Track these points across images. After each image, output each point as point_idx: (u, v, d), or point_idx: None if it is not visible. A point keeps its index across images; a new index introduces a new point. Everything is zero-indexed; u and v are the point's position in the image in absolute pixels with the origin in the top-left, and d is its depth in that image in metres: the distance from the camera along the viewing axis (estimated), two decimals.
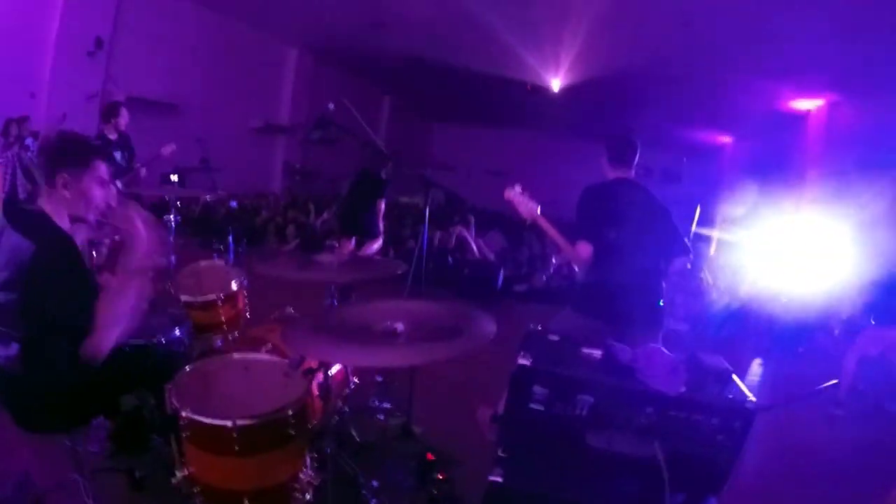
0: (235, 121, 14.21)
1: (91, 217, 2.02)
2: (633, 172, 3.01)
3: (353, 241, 6.04)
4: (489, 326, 1.88)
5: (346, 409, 2.81)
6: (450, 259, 7.82)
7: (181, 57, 12.25)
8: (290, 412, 1.92)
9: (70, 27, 9.56)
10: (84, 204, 1.96)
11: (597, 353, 1.98)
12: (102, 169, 2.00)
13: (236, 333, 3.01)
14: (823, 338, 6.74)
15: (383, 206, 6.19)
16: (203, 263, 3.40)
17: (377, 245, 6.14)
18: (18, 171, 7.25)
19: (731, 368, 1.90)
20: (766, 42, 9.07)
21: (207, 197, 4.77)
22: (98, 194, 1.98)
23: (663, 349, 1.92)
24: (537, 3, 9.59)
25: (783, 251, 6.76)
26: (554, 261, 8.64)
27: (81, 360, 1.81)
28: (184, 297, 2.98)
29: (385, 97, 21.45)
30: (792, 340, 6.73)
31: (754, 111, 13.59)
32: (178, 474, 1.89)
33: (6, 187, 7.04)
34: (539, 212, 2.92)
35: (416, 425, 3.18)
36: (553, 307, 7.28)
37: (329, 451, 2.20)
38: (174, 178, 3.48)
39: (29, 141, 8.06)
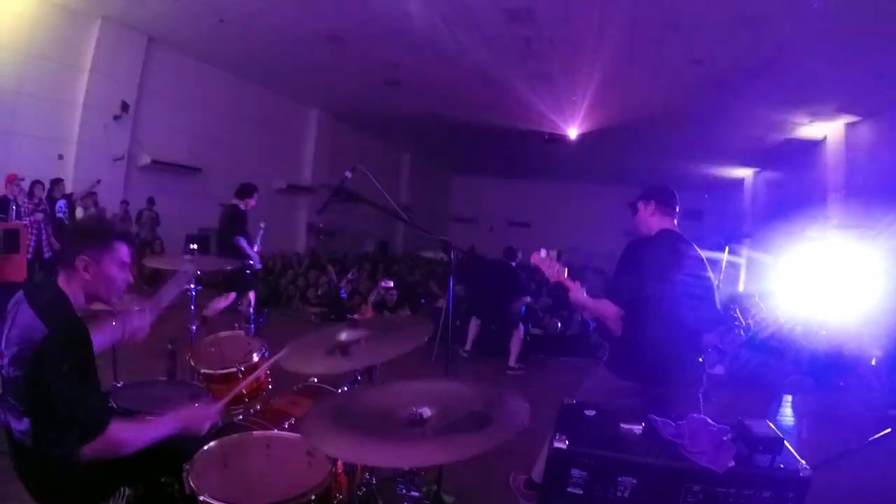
0: (259, 182, 14.42)
1: (114, 299, 1.98)
2: (676, 221, 2.93)
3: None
4: (521, 409, 1.72)
5: (373, 479, 2.70)
6: None
7: (204, 120, 12.68)
8: (313, 497, 1.81)
9: (97, 91, 9.98)
10: (105, 286, 1.93)
11: (637, 428, 1.88)
12: (123, 251, 1.96)
13: (258, 406, 2.93)
14: (861, 368, 6.44)
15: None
16: (224, 334, 3.35)
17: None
18: (44, 234, 7.63)
19: (780, 435, 1.77)
20: (776, 72, 9.10)
21: (228, 267, 4.81)
22: (119, 277, 1.95)
23: (709, 420, 1.80)
24: (549, 56, 9.78)
25: (812, 280, 6.53)
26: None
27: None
28: (203, 370, 2.92)
29: (405, 154, 21.87)
30: (830, 374, 6.51)
31: (771, 142, 13.58)
32: None
33: (32, 250, 7.30)
34: (566, 275, 2.89)
35: (447, 494, 3.02)
36: (579, 360, 7.20)
37: None
38: (193, 247, 3.47)
39: (61, 203, 8.42)
